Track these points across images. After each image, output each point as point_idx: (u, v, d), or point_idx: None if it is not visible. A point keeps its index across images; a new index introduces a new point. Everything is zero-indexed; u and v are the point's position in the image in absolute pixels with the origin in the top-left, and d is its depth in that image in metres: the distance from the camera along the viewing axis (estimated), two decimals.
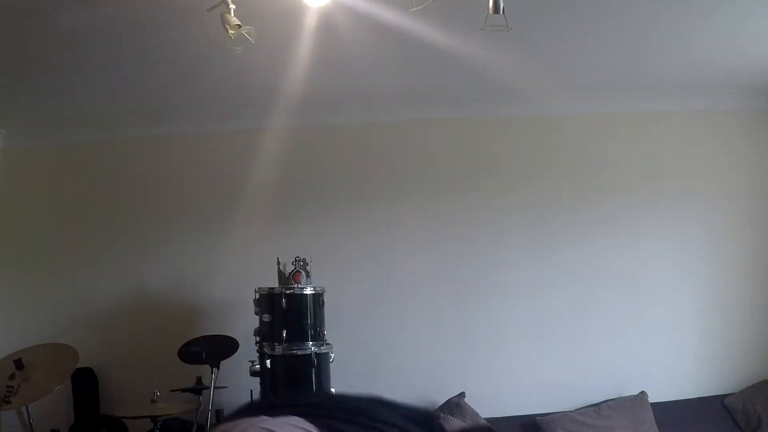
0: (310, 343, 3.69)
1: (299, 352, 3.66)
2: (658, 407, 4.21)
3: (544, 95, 4.51)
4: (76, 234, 4.65)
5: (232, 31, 2.61)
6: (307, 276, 3.82)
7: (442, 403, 4.16)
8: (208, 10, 2.65)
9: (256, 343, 3.79)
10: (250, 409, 1.50)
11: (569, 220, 4.58)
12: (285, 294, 3.68)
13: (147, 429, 3.70)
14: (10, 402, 3.43)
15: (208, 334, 4.13)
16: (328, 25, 3.20)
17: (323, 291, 3.82)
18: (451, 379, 4.29)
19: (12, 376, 3.54)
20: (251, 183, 4.60)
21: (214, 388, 3.81)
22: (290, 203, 4.61)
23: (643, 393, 4.28)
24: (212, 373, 3.83)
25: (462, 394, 4.18)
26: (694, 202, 4.62)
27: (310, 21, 3.15)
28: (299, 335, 3.69)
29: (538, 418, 4.17)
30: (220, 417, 3.87)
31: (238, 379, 3.92)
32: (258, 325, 3.78)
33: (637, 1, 3.22)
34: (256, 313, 3.78)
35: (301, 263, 3.82)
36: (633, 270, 4.55)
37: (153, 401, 3.60)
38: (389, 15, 3.07)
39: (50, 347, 3.81)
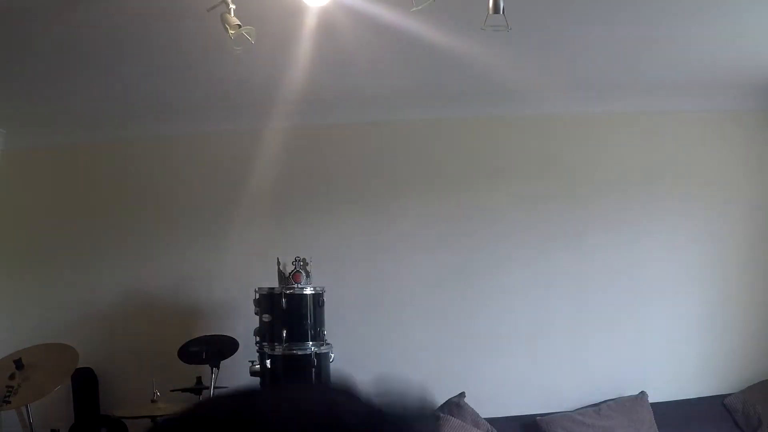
0: (310, 343, 3.70)
1: (299, 352, 3.66)
2: (658, 407, 4.21)
3: (544, 95, 4.51)
4: (76, 234, 4.64)
5: (232, 31, 2.61)
6: (307, 276, 3.82)
7: (441, 403, 4.16)
8: (208, 10, 2.66)
9: (256, 343, 3.79)
10: None
11: (569, 220, 4.58)
12: (285, 294, 3.69)
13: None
14: (10, 402, 3.43)
15: (208, 334, 4.12)
16: (328, 25, 3.20)
17: (323, 291, 3.82)
18: (450, 379, 4.28)
19: (12, 376, 3.53)
20: (251, 183, 4.60)
21: (214, 388, 3.80)
22: (290, 203, 4.61)
23: (643, 393, 4.28)
24: (212, 373, 3.82)
25: (462, 395, 4.18)
26: (694, 202, 4.62)
27: (310, 21, 3.15)
28: (299, 335, 3.69)
29: (538, 418, 4.17)
30: None
31: (238, 380, 3.90)
32: (258, 325, 3.78)
33: (636, 1, 3.22)
34: (256, 313, 3.78)
35: (301, 263, 3.82)
36: (633, 270, 4.55)
37: (153, 401, 3.60)
38: (389, 15, 3.07)
39: (50, 347, 3.80)
